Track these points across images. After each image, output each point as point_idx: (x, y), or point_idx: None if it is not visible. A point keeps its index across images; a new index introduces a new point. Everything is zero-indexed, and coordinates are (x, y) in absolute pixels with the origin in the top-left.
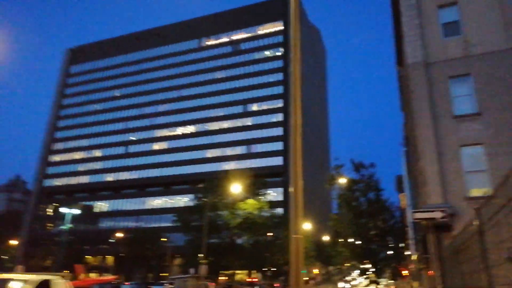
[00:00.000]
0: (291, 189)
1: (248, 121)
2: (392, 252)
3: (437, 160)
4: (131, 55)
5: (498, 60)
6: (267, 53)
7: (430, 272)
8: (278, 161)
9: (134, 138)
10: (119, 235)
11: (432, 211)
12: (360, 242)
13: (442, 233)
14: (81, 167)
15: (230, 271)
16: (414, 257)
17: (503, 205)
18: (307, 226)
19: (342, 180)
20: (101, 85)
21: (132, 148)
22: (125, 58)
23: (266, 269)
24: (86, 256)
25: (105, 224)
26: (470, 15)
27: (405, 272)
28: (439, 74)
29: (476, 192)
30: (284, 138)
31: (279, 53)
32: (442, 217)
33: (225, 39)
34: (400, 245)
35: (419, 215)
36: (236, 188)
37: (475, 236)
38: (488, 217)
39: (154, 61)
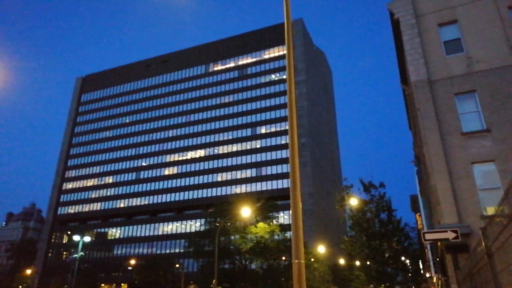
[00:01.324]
0: (291, 213)
1: (257, 144)
2: (409, 274)
3: (448, 179)
4: (140, 82)
5: (503, 75)
6: (273, 76)
7: None
8: (288, 183)
9: (145, 164)
10: (132, 262)
11: (445, 231)
12: (374, 264)
13: (458, 254)
14: (94, 194)
15: None
16: (434, 279)
17: (505, 224)
18: (321, 249)
19: (353, 201)
20: (111, 112)
21: (143, 174)
22: (135, 85)
23: None
24: (100, 284)
25: (118, 251)
26: (471, 32)
27: None
28: (444, 91)
29: (492, 210)
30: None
31: (285, 76)
32: (454, 238)
33: (232, 64)
34: (419, 267)
35: (430, 236)
36: (246, 211)
37: (485, 259)
38: (494, 238)
39: (163, 87)
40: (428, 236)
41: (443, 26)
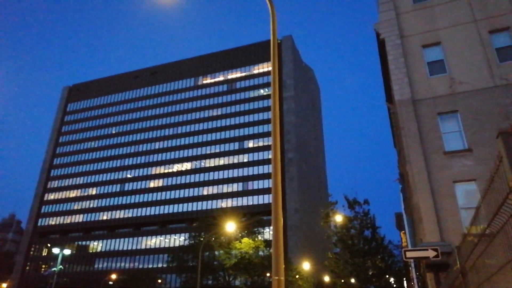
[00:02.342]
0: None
1: (244, 158)
2: None
3: (431, 197)
4: (128, 93)
5: (484, 97)
6: (262, 91)
7: None
8: None
9: (130, 176)
10: (114, 276)
11: (425, 250)
12: (358, 282)
13: (440, 273)
14: (76, 206)
15: None
16: None
17: (475, 243)
18: (306, 266)
19: (338, 218)
20: (97, 122)
21: (128, 186)
22: (122, 96)
23: None
24: None
25: (99, 264)
26: (454, 54)
27: None
28: (427, 111)
29: (474, 230)
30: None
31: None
32: (435, 256)
33: (221, 78)
34: (403, 285)
35: (410, 254)
36: (230, 226)
37: (460, 277)
38: (467, 257)
39: (151, 99)
40: (409, 254)
41: (427, 47)
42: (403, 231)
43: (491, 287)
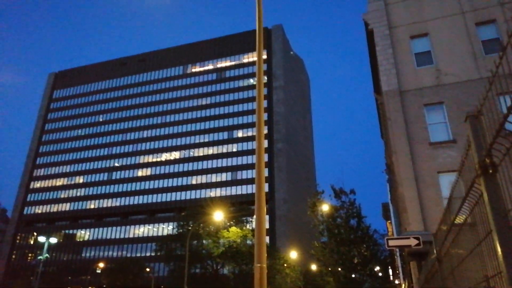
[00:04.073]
0: (256, 216)
1: (233, 148)
2: (379, 280)
3: (415, 187)
4: (116, 80)
5: (469, 89)
6: (251, 80)
7: None
8: (266, 187)
9: (117, 165)
10: (101, 265)
11: (407, 238)
12: (343, 270)
13: (422, 261)
14: (63, 194)
15: None
16: (402, 286)
17: (448, 231)
18: (293, 255)
19: (324, 207)
20: (84, 110)
21: (116, 175)
22: (110, 83)
23: None
24: (67, 287)
25: (87, 253)
26: (441, 46)
27: None
28: (414, 101)
29: (457, 220)
30: (269, 164)
31: (265, 81)
32: (416, 245)
33: (210, 66)
34: (388, 273)
35: (393, 243)
36: (218, 215)
37: (436, 264)
38: (440, 244)
39: (139, 87)
40: (391, 243)
41: (414, 38)
42: (389, 221)
43: (462, 273)
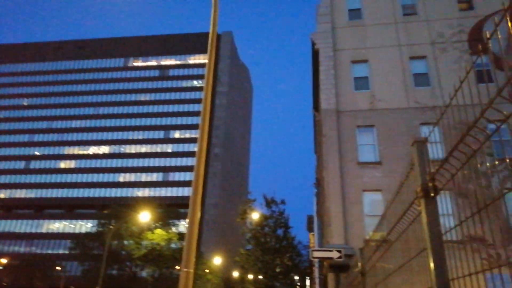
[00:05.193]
0: (188, 221)
1: (168, 148)
2: None
3: (341, 203)
4: (48, 64)
5: (398, 116)
6: (195, 82)
7: None
8: None
9: (38, 153)
10: (3, 261)
11: (330, 251)
12: (265, 279)
13: (340, 273)
14: None
15: None
16: None
17: (376, 247)
18: (217, 261)
19: (255, 215)
20: (7, 91)
21: (34, 164)
22: (40, 66)
23: None
24: None
25: None
26: (378, 73)
27: None
28: (349, 122)
29: (375, 236)
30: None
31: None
32: (338, 257)
33: (153, 63)
34: (306, 283)
35: (317, 254)
36: (145, 216)
37: (359, 277)
38: (367, 259)
39: (73, 73)
40: (315, 254)
41: (355, 63)
42: (312, 233)
43: (386, 286)
